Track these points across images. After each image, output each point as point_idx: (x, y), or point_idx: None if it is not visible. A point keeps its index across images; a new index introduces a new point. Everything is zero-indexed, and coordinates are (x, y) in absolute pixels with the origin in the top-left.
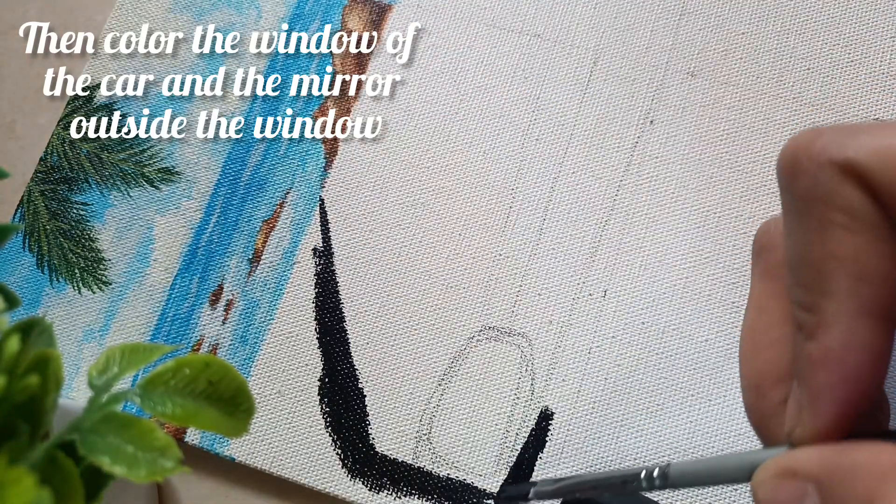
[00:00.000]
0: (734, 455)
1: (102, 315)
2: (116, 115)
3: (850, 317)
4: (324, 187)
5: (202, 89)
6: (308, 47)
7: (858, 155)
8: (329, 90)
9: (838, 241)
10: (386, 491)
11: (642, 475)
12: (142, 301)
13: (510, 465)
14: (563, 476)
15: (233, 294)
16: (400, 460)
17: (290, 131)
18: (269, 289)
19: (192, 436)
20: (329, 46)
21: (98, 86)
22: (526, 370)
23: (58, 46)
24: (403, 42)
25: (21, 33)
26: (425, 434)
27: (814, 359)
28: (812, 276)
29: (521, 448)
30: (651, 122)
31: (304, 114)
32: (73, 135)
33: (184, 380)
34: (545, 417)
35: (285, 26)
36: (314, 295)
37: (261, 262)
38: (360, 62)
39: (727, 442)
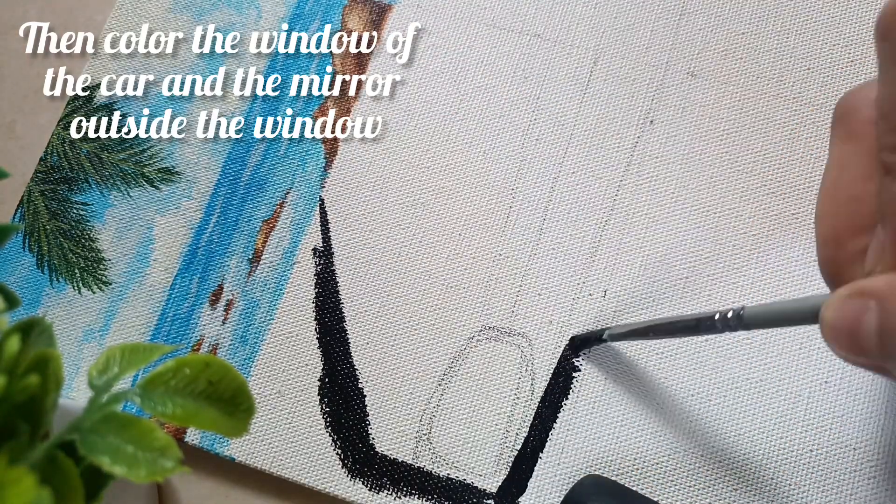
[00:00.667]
0: (805, 298)
1: (102, 315)
2: (116, 115)
3: None
4: (324, 187)
5: (202, 89)
6: (308, 47)
7: None
8: (329, 90)
9: None
10: (386, 491)
11: (716, 317)
12: (142, 301)
13: (510, 465)
14: (634, 322)
15: (233, 294)
16: (400, 460)
17: (290, 131)
18: (269, 289)
19: (192, 436)
20: (329, 46)
21: (98, 86)
22: (526, 370)
23: (58, 46)
24: (403, 42)
25: (21, 33)
26: (425, 434)
27: None
28: None
29: (521, 448)
30: (651, 122)
31: (304, 114)
32: (73, 135)
33: (184, 380)
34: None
35: (285, 26)
36: (314, 295)
37: (261, 262)
38: (360, 62)
39: (727, 442)
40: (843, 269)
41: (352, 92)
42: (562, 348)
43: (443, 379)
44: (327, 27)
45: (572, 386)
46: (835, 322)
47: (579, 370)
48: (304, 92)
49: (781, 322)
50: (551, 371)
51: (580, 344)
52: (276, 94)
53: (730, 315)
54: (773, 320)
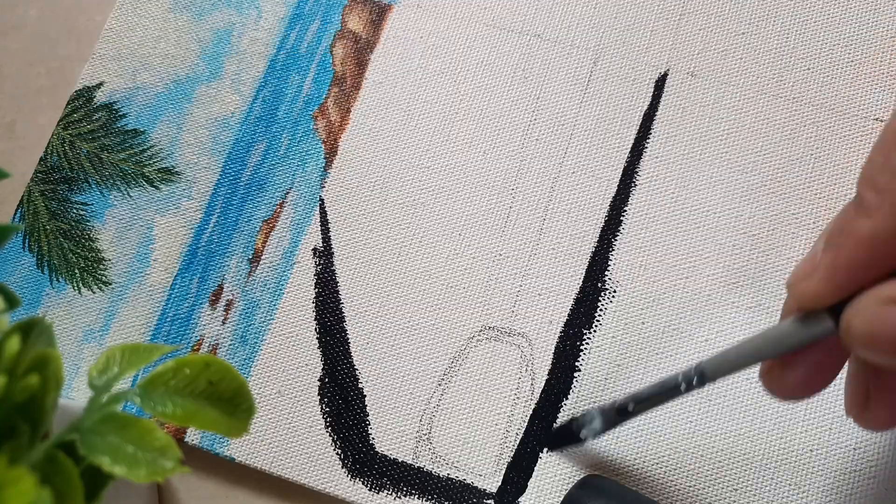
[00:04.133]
0: (758, 335)
1: (102, 315)
2: (116, 115)
3: None
4: (324, 187)
5: (202, 89)
6: (308, 47)
7: None
8: (329, 90)
9: None
10: (386, 491)
11: (680, 378)
12: (142, 301)
13: (510, 464)
14: (601, 404)
15: (233, 294)
16: (400, 460)
17: (290, 131)
18: (269, 289)
19: (192, 436)
20: (329, 46)
21: (98, 86)
22: (526, 370)
23: (57, 47)
24: (403, 42)
25: (21, 33)
26: (425, 434)
27: (858, 235)
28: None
29: (521, 447)
30: (651, 121)
31: (304, 114)
32: (73, 135)
33: (184, 380)
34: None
35: (285, 26)
36: (314, 295)
37: (261, 262)
38: (360, 62)
39: (727, 442)
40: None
41: (352, 92)
42: (562, 348)
43: (443, 379)
44: (327, 27)
45: (572, 386)
46: (875, 331)
47: (580, 370)
48: (304, 92)
49: (744, 364)
50: (551, 371)
51: (555, 441)
52: (276, 93)
53: (693, 373)
54: (736, 366)
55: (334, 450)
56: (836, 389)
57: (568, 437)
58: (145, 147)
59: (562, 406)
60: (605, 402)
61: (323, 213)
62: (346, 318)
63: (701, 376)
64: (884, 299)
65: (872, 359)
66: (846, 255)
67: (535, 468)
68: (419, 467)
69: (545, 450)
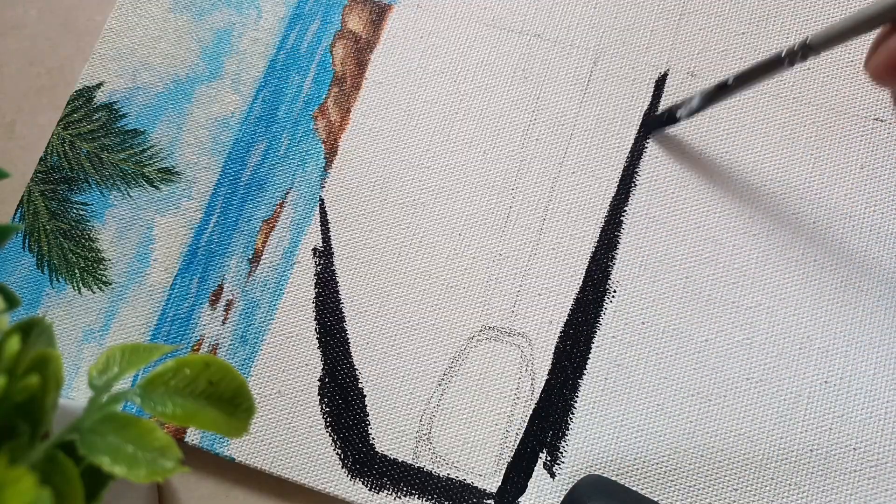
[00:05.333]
0: (864, 7)
1: (102, 315)
2: (116, 115)
3: None
4: (324, 187)
5: (202, 89)
6: (308, 47)
7: None
8: (329, 90)
9: None
10: (386, 491)
11: (784, 53)
12: (142, 301)
13: (510, 464)
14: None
15: (233, 294)
16: (400, 460)
17: (290, 131)
18: (269, 289)
19: (192, 436)
20: (329, 46)
21: (98, 86)
22: (526, 370)
23: (57, 47)
24: (403, 42)
25: (21, 33)
26: (425, 434)
27: None
28: None
29: (521, 447)
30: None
31: (304, 114)
32: (73, 135)
33: (184, 380)
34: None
35: (285, 26)
36: (314, 295)
37: (261, 262)
38: (360, 62)
39: (727, 442)
40: None
41: (352, 92)
42: (562, 348)
43: (443, 379)
44: (327, 27)
45: (572, 386)
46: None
47: (580, 370)
48: (304, 92)
49: (851, 33)
50: (551, 371)
51: (652, 124)
52: (276, 94)
53: (796, 48)
54: (843, 35)
55: (334, 450)
56: (836, 389)
57: (665, 120)
58: (145, 147)
59: (563, 406)
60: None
61: (323, 213)
62: (346, 318)
63: (805, 49)
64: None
65: (881, 83)
66: None
67: (535, 468)
68: (419, 467)
69: (648, 134)
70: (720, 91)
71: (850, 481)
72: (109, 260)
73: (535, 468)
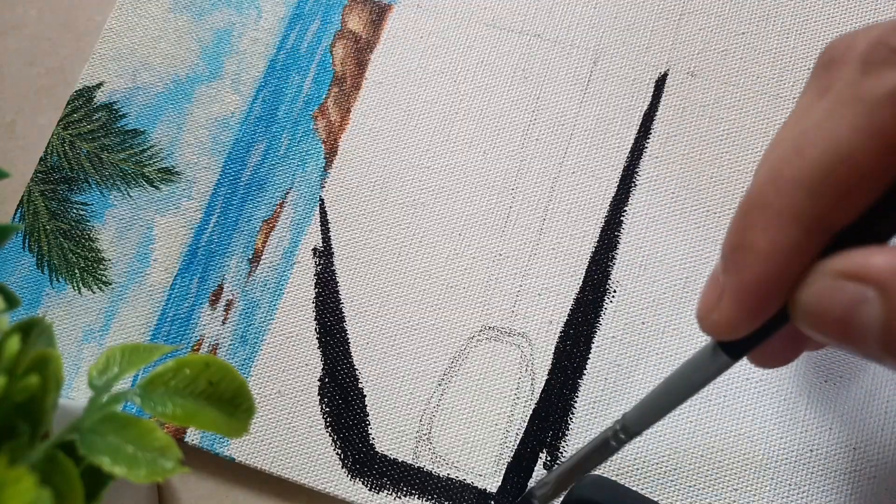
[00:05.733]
0: (672, 376)
1: (102, 315)
2: (116, 115)
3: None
4: (324, 187)
5: (202, 89)
6: (308, 47)
7: None
8: (329, 90)
9: None
10: (386, 491)
11: (609, 435)
12: (142, 301)
13: (510, 464)
14: (541, 481)
15: (233, 294)
16: (400, 460)
17: (290, 131)
18: (269, 289)
19: (192, 436)
20: (329, 46)
21: (98, 86)
22: (526, 370)
23: (57, 47)
24: (403, 42)
25: (21, 33)
26: (425, 434)
27: (758, 250)
28: None
29: (521, 447)
30: (652, 121)
31: (304, 114)
32: (73, 135)
33: (184, 380)
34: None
35: (285, 26)
36: (314, 295)
37: (261, 262)
38: (360, 62)
39: (727, 442)
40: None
41: (352, 92)
42: (562, 348)
43: (443, 379)
44: (327, 27)
45: (573, 386)
46: (822, 309)
47: (580, 370)
48: (304, 92)
49: (663, 411)
50: (551, 371)
51: None
52: (276, 93)
53: (618, 428)
54: (656, 413)
55: (334, 450)
56: (836, 389)
57: None
58: (145, 147)
59: (563, 406)
60: (548, 477)
61: (323, 213)
62: (346, 318)
63: (625, 430)
64: (839, 272)
65: (818, 338)
66: (750, 272)
67: (535, 468)
68: (419, 467)
69: None
70: (572, 473)
71: (850, 481)
72: (109, 260)
73: (535, 468)
